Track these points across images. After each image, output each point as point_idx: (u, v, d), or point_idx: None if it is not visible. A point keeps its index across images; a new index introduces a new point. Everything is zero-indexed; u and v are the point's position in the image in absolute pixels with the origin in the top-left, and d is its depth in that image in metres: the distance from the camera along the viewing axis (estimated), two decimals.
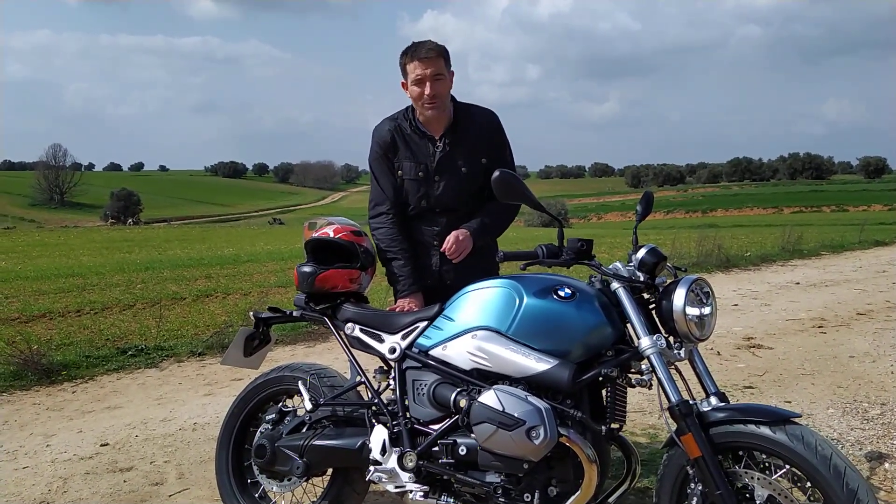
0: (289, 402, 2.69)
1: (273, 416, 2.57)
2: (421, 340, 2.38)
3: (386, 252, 2.74)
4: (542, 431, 1.95)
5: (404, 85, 2.68)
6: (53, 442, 3.78)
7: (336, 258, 2.60)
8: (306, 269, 2.55)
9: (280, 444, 2.48)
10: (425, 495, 2.23)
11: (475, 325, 2.24)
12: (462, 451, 2.19)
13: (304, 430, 2.51)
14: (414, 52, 2.61)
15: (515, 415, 1.97)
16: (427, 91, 2.59)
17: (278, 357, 5.44)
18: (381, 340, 2.47)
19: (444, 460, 2.22)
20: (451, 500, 2.21)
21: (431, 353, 2.34)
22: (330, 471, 2.57)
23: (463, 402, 2.14)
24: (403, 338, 2.43)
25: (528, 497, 2.11)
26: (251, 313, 2.80)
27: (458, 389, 2.21)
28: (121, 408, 4.45)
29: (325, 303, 2.58)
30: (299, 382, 2.50)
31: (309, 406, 2.42)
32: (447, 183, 2.71)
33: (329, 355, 5.53)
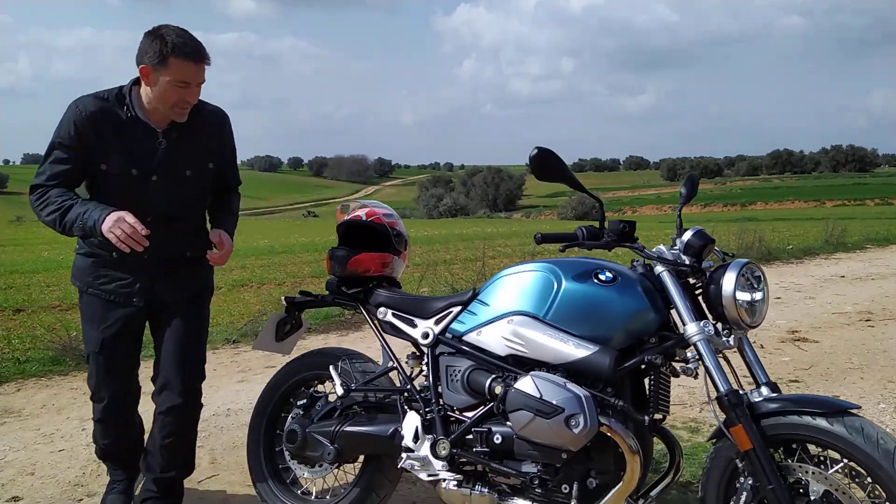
0: (320, 388, 2.65)
1: (304, 401, 2.53)
2: (455, 325, 2.31)
3: (61, 202, 2.23)
4: (581, 420, 1.86)
5: (146, 72, 2.17)
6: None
7: (368, 242, 2.54)
8: (339, 252, 2.50)
9: (311, 429, 2.44)
10: (458, 485, 2.16)
11: (511, 310, 2.17)
12: (497, 439, 2.11)
13: (335, 415, 2.47)
14: (187, 51, 2.15)
15: (554, 402, 1.89)
16: (189, 98, 2.22)
17: (310, 346, 5.42)
18: (413, 325, 2.41)
19: (479, 449, 2.15)
20: (486, 491, 2.14)
21: (465, 338, 2.27)
22: (362, 458, 2.52)
23: (498, 389, 2.06)
24: (437, 323, 2.36)
25: (565, 488, 2.03)
26: (283, 298, 2.76)
27: (493, 376, 2.13)
28: None
29: (358, 287, 2.53)
30: (331, 367, 2.45)
31: (340, 391, 2.37)
32: (167, 187, 2.30)
33: (361, 344, 5.49)
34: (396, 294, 2.49)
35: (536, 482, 2.05)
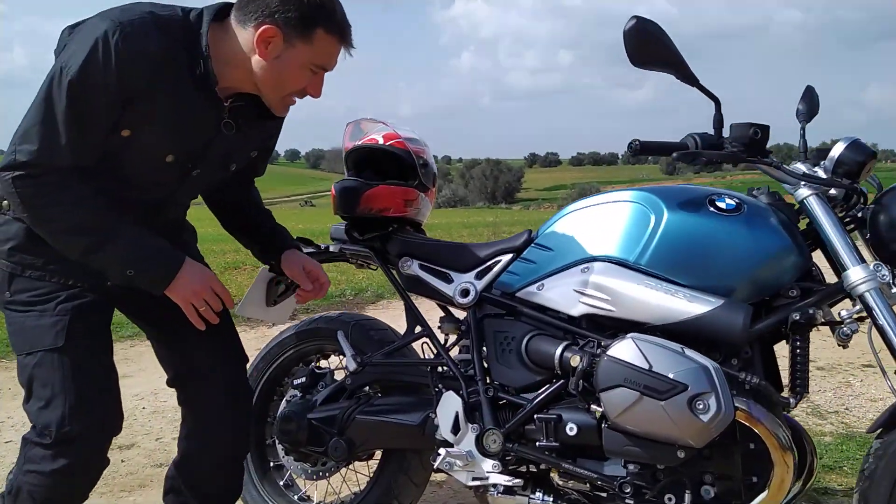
0: (323, 363, 2.06)
1: (303, 379, 1.92)
2: (505, 279, 1.73)
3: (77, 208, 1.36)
4: (712, 402, 1.27)
5: (269, 36, 1.36)
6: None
7: (386, 174, 1.94)
8: (348, 184, 1.90)
9: (312, 416, 1.83)
10: (513, 491, 1.58)
11: (587, 256, 1.59)
12: (570, 430, 1.52)
13: (344, 398, 1.87)
14: (341, 25, 1.42)
15: (671, 376, 1.30)
16: (315, 91, 1.48)
17: None
18: (448, 280, 1.81)
19: (544, 443, 1.56)
20: (550, 500, 1.56)
21: (521, 295, 1.68)
22: (378, 454, 1.93)
23: (576, 360, 1.47)
24: (479, 276, 1.77)
25: (670, 500, 1.45)
26: None
27: (565, 343, 1.54)
28: (130, 377, 3.89)
29: (373, 232, 1.93)
30: (339, 334, 1.85)
31: (352, 365, 1.77)
32: (203, 182, 1.58)
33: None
34: (425, 240, 1.89)
35: (628, 490, 1.47)
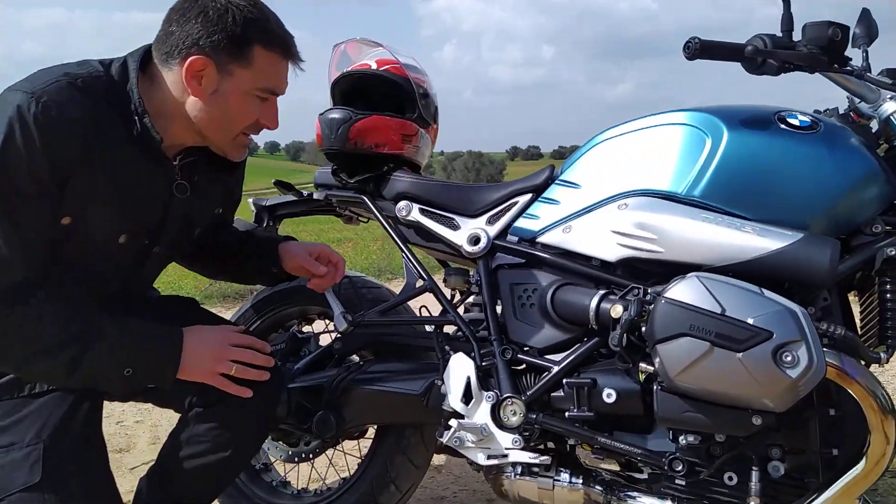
0: (305, 328, 1.78)
1: (282, 345, 1.64)
2: (522, 224, 1.46)
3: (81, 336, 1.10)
4: (802, 353, 1.01)
5: (198, 68, 1.11)
6: None
7: (380, 106, 1.66)
8: (334, 114, 1.61)
9: (293, 386, 1.54)
10: (535, 472, 1.31)
11: (625, 190, 1.32)
12: (609, 395, 1.26)
13: (331, 365, 1.59)
14: (281, 39, 1.17)
15: (750, 321, 1.03)
16: (269, 121, 1.22)
17: None
18: (454, 227, 1.54)
19: (575, 412, 1.29)
20: (580, 483, 1.30)
21: (543, 240, 1.42)
22: (372, 431, 1.65)
23: (617, 311, 1.20)
24: (491, 221, 1.50)
25: (731, 479, 1.19)
26: (250, 200, 1.87)
27: (602, 292, 1.27)
28: None
29: (365, 173, 1.64)
30: (326, 293, 1.56)
31: (342, 325, 1.47)
32: (166, 258, 1.35)
33: None
34: (427, 180, 1.61)
35: (679, 468, 1.21)
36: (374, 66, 1.67)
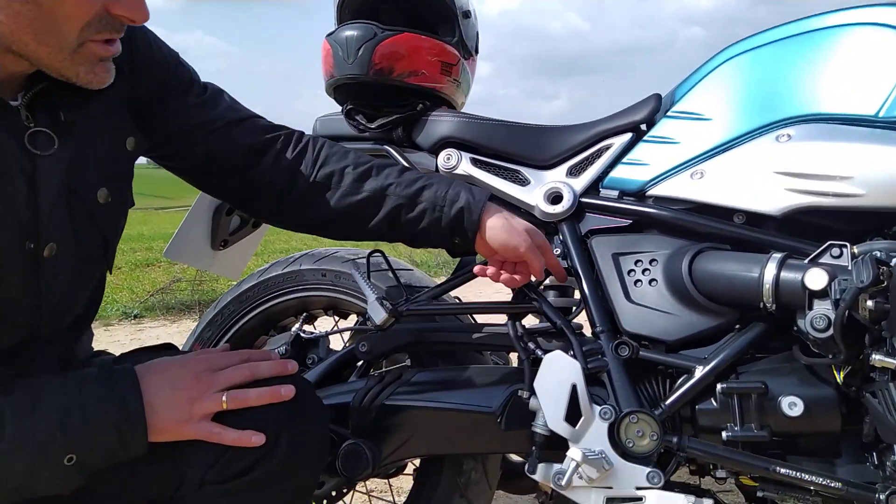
0: (308, 328, 1.32)
1: (282, 350, 1.18)
2: (622, 173, 1.07)
3: None
4: None
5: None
6: None
7: (409, 24, 1.23)
8: (351, 30, 1.17)
9: None
10: None
11: (785, 115, 0.95)
12: (792, 406, 0.87)
13: (355, 376, 1.14)
14: None
15: None
16: (136, 12, 0.72)
17: None
18: (522, 181, 1.13)
19: (738, 432, 0.89)
20: None
21: (657, 191, 1.03)
22: (411, 466, 1.21)
23: (818, 280, 0.81)
24: (573, 172, 1.11)
25: None
26: None
27: (777, 255, 0.88)
28: None
29: (393, 113, 1.20)
30: (354, 272, 1.09)
31: (381, 316, 1.02)
32: (69, 253, 0.78)
33: None
34: (481, 119, 1.19)
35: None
36: None
